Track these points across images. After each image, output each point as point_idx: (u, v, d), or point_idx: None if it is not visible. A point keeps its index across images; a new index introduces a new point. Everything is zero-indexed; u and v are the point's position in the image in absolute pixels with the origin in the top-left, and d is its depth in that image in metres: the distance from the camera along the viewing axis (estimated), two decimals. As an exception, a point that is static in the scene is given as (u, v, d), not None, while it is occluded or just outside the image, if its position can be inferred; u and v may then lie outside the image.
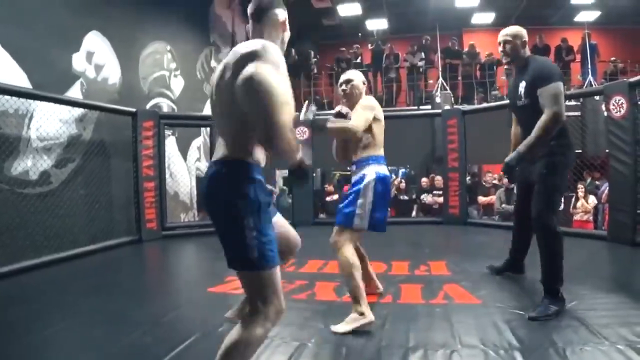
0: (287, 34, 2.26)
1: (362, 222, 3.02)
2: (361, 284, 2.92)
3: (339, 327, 2.77)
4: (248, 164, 1.84)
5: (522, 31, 3.43)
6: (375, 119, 3.17)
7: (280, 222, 2.45)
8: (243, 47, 1.86)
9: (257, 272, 1.83)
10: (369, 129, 3.15)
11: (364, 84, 3.34)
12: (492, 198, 8.39)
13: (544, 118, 3.05)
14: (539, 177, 3.22)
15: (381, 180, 3.08)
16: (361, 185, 3.07)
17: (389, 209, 3.22)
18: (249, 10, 2.12)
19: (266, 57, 1.79)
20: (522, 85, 3.30)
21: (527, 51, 3.42)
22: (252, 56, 1.79)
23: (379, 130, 3.22)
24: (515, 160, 3.16)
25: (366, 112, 3.13)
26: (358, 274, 2.92)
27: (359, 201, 3.03)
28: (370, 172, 3.09)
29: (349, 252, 2.96)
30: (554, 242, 3.31)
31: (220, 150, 1.88)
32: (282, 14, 2.18)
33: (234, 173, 1.84)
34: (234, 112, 1.82)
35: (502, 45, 3.47)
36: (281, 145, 1.73)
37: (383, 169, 3.14)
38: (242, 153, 1.84)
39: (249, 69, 1.74)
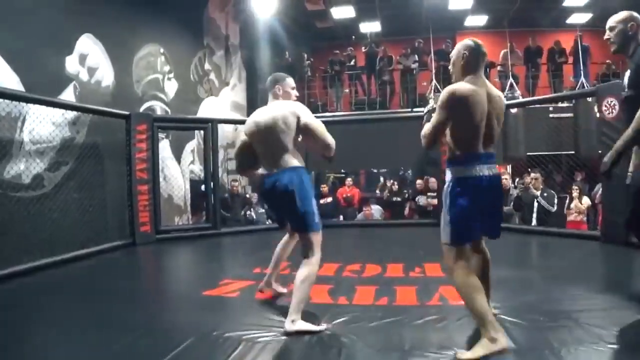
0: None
1: (457, 236, 2.56)
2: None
3: (466, 354, 2.38)
4: None
5: (632, 15, 3.04)
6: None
7: None
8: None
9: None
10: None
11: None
12: None
13: (637, 118, 2.71)
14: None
15: (461, 183, 2.56)
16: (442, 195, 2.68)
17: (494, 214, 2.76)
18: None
19: None
20: (627, 75, 3.01)
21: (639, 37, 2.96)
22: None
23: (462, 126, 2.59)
24: (611, 158, 2.85)
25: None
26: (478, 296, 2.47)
27: (443, 211, 2.64)
28: (449, 176, 2.65)
29: (459, 272, 2.55)
30: None
31: None
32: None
33: None
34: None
35: (608, 31, 3.09)
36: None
37: (465, 171, 2.57)
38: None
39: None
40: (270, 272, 3.62)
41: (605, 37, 3.12)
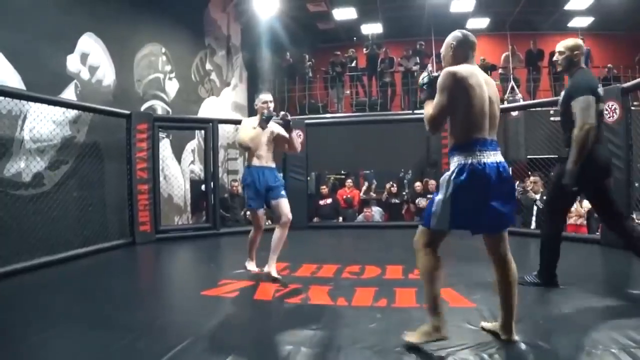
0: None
1: (438, 222, 2.53)
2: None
3: (411, 335, 2.57)
4: None
5: (578, 44, 3.64)
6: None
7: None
8: None
9: None
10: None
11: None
12: None
13: (575, 131, 3.35)
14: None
15: (464, 170, 2.46)
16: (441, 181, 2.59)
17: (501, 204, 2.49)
18: None
19: None
20: (562, 95, 3.63)
21: (581, 63, 3.61)
22: None
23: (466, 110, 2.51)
24: (570, 179, 3.42)
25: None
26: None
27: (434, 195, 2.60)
28: (453, 164, 2.55)
29: (424, 258, 2.63)
30: None
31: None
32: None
33: None
34: None
35: (557, 54, 3.70)
36: None
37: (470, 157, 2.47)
38: None
39: None
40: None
41: (554, 58, 3.78)
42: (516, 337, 2.57)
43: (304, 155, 7.23)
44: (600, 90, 3.50)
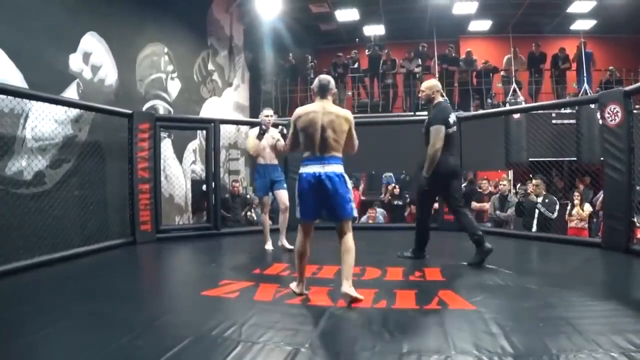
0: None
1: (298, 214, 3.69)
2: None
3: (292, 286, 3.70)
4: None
5: (435, 84, 5.06)
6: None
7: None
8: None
9: None
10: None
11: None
12: (484, 205, 8.37)
13: (428, 149, 4.76)
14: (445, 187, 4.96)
15: (299, 178, 3.64)
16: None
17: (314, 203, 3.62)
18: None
19: None
20: (426, 120, 4.97)
21: (438, 98, 4.96)
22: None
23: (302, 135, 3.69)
24: (426, 182, 4.87)
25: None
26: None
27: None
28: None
29: (298, 237, 3.69)
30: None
31: None
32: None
33: None
34: None
35: (421, 91, 5.06)
36: None
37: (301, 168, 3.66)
38: None
39: None
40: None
41: (419, 94, 5.18)
42: (346, 290, 3.39)
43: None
44: (451, 118, 4.83)
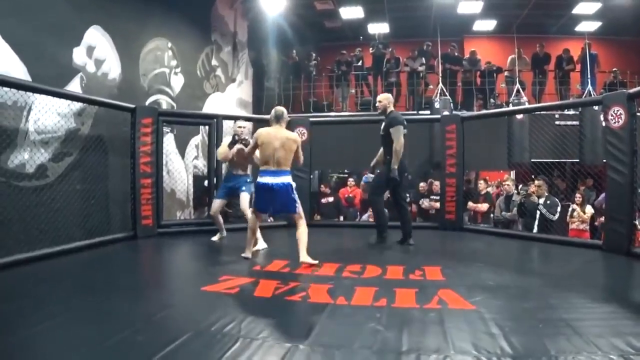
0: None
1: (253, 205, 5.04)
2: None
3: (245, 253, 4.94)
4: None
5: (389, 97, 6.06)
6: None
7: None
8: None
9: None
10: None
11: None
12: (480, 206, 8.32)
13: (394, 146, 5.60)
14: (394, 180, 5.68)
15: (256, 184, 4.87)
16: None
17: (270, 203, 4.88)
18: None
19: None
20: (383, 125, 5.81)
21: (391, 107, 5.94)
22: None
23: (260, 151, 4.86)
24: (394, 174, 5.60)
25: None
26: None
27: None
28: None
29: (251, 217, 5.03)
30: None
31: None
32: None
33: None
34: None
35: (378, 102, 6.01)
36: None
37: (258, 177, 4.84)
38: None
39: None
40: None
41: (376, 104, 6.11)
42: (303, 259, 4.56)
43: (307, 154, 7.23)
44: (405, 122, 5.73)
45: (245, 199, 5.89)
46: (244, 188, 5.93)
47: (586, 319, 2.99)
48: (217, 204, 6.07)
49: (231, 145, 5.82)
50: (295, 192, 4.82)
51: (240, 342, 2.60)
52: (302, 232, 4.73)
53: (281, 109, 4.94)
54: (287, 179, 4.75)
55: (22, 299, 3.46)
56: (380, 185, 5.96)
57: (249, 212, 5.74)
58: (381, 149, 6.02)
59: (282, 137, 4.74)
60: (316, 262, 4.51)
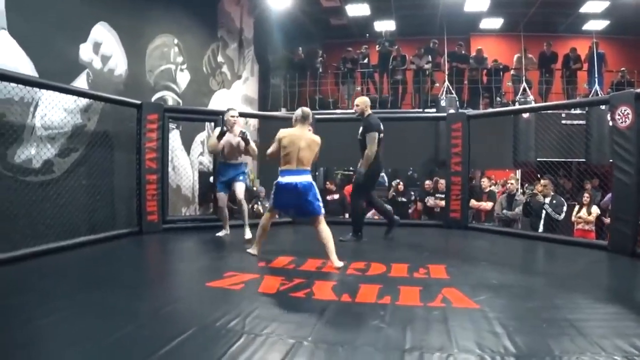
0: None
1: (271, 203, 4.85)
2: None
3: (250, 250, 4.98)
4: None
5: (366, 100, 6.08)
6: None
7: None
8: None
9: None
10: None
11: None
12: (483, 204, 8.28)
13: (366, 151, 5.70)
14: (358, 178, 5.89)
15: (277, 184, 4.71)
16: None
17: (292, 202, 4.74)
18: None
19: None
20: (360, 129, 5.86)
21: (368, 111, 5.95)
22: None
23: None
24: (361, 177, 5.80)
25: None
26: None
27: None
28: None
29: (264, 217, 4.95)
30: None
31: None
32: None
33: None
34: None
35: (355, 106, 6.03)
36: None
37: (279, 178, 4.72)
38: None
39: None
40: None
41: (353, 109, 6.14)
42: (336, 264, 4.44)
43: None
44: (381, 127, 5.82)
45: (241, 188, 5.96)
46: (241, 178, 6.00)
47: (590, 319, 2.99)
48: (222, 197, 6.09)
49: (220, 136, 5.87)
50: (317, 191, 4.73)
51: (245, 338, 2.61)
52: (328, 234, 4.58)
53: (308, 110, 4.91)
54: (310, 178, 4.70)
55: (28, 293, 3.49)
56: (361, 185, 5.98)
57: (244, 202, 5.99)
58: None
59: (307, 138, 4.74)
60: (341, 264, 4.48)
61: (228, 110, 6.22)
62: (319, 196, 4.71)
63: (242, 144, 5.88)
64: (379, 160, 5.87)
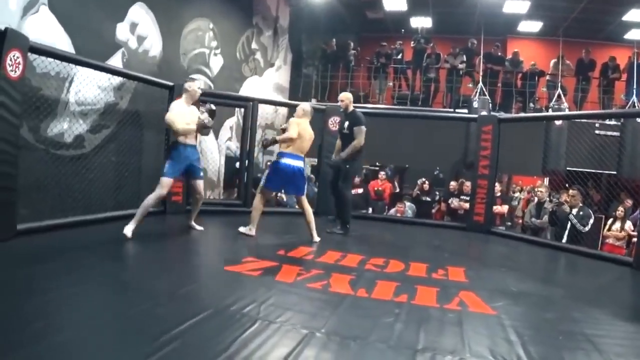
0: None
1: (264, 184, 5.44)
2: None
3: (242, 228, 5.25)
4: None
5: (350, 96, 6.18)
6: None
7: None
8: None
9: None
10: None
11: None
12: (499, 207, 8.14)
13: (354, 142, 5.80)
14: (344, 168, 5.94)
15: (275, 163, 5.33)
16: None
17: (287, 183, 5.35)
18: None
19: None
20: (347, 124, 6.00)
21: (351, 106, 6.08)
22: None
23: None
24: (341, 161, 5.91)
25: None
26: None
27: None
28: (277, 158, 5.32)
29: (257, 197, 5.31)
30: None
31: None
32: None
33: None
34: None
35: (340, 102, 6.11)
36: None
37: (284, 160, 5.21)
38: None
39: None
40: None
41: (340, 103, 6.12)
42: (315, 239, 5.21)
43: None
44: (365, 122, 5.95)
45: (202, 185, 5.44)
46: (201, 174, 5.40)
47: (608, 336, 2.93)
48: (167, 184, 5.11)
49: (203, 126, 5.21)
50: (305, 176, 5.43)
51: (259, 324, 2.64)
52: (310, 211, 5.33)
53: (311, 105, 5.66)
54: (302, 164, 5.35)
55: (55, 262, 3.59)
56: (349, 176, 6.16)
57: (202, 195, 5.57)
58: (338, 143, 6.35)
59: (310, 132, 5.40)
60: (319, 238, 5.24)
61: (192, 80, 5.88)
62: (305, 180, 5.48)
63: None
64: (362, 152, 6.06)
